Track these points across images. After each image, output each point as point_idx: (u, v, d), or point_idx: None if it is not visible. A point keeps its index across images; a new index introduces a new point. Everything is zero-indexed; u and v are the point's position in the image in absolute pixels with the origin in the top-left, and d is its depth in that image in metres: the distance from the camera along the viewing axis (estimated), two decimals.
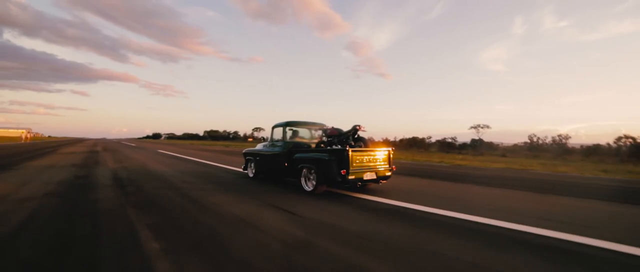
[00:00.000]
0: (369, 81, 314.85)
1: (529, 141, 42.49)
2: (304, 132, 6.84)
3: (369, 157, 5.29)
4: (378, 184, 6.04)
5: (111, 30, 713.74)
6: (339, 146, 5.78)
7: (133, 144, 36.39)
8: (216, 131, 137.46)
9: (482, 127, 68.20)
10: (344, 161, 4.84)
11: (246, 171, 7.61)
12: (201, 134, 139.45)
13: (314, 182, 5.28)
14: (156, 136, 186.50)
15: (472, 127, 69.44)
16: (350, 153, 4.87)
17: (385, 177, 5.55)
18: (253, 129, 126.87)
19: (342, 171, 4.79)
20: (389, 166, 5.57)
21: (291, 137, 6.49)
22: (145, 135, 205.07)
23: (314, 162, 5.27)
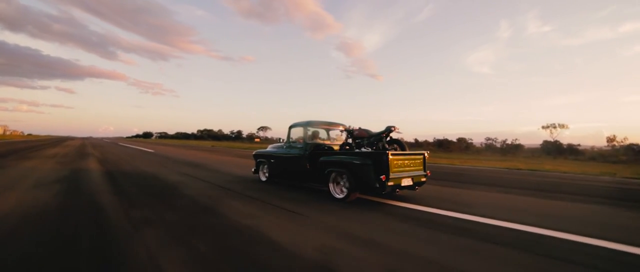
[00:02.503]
0: (360, 82, 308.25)
1: (609, 144, 38.37)
2: (322, 133, 6.08)
3: (407, 161, 4.70)
4: (414, 190, 5.31)
5: (99, 26, 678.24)
6: (369, 149, 5.17)
7: (149, 149, 21.33)
8: (211, 130, 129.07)
9: (556, 127, 56.48)
10: (384, 166, 4.23)
11: (257, 174, 6.79)
12: (194, 133, 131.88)
13: (346, 189, 4.62)
14: (147, 135, 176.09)
15: (544, 127, 57.52)
16: (390, 157, 4.22)
17: (420, 183, 4.93)
18: (258, 128, 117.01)
19: (381, 177, 4.17)
20: (424, 171, 5.03)
21: (311, 138, 5.69)
22: (133, 134, 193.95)
23: (346, 167, 4.60)
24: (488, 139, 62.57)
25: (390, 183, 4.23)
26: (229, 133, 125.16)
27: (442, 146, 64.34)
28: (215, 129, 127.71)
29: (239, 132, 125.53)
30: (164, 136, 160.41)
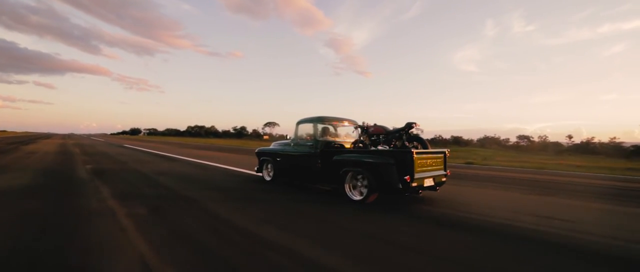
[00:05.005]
0: (349, 79, 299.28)
1: None
2: (332, 130, 5.53)
3: (430, 160, 4.31)
4: (435, 191, 4.89)
5: (81, 19, 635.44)
6: (386, 146, 4.72)
7: (214, 163, 7.70)
8: (203, 126, 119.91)
9: None
10: (408, 165, 3.80)
11: (260, 174, 6.24)
12: (188, 130, 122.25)
13: (364, 190, 4.16)
14: (135, 132, 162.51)
15: None
16: (414, 156, 3.80)
17: (441, 184, 4.57)
18: (265, 124, 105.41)
19: (405, 177, 3.75)
20: (445, 170, 4.67)
21: (321, 135, 5.17)
22: (118, 130, 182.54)
23: (365, 166, 4.10)
24: (570, 136, 52.61)
25: (414, 184, 3.83)
26: (230, 129, 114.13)
27: (519, 147, 54.49)
28: (207, 125, 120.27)
29: (243, 129, 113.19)
30: (153, 132, 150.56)
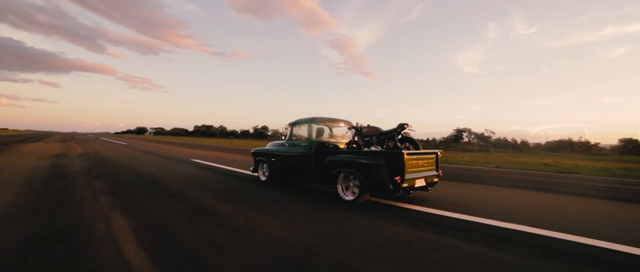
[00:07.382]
0: (352, 80, 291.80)
1: None
2: (326, 130, 5.53)
3: (421, 161, 4.33)
4: (427, 191, 4.84)
5: (87, 18, 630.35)
6: (378, 147, 4.82)
7: None
8: (210, 126, 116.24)
9: None
10: (399, 166, 3.82)
11: (256, 174, 6.24)
12: (191, 129, 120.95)
13: (356, 190, 4.21)
14: (141, 131, 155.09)
15: None
16: (405, 156, 3.82)
17: (433, 184, 4.58)
18: (289, 124, 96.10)
19: (396, 178, 3.77)
20: (437, 171, 4.65)
21: (316, 136, 5.24)
22: (122, 130, 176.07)
23: (357, 167, 4.15)
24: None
25: (404, 185, 3.82)
26: (250, 129, 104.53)
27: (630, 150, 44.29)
28: (211, 124, 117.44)
29: (264, 128, 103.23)
30: (160, 132, 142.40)
